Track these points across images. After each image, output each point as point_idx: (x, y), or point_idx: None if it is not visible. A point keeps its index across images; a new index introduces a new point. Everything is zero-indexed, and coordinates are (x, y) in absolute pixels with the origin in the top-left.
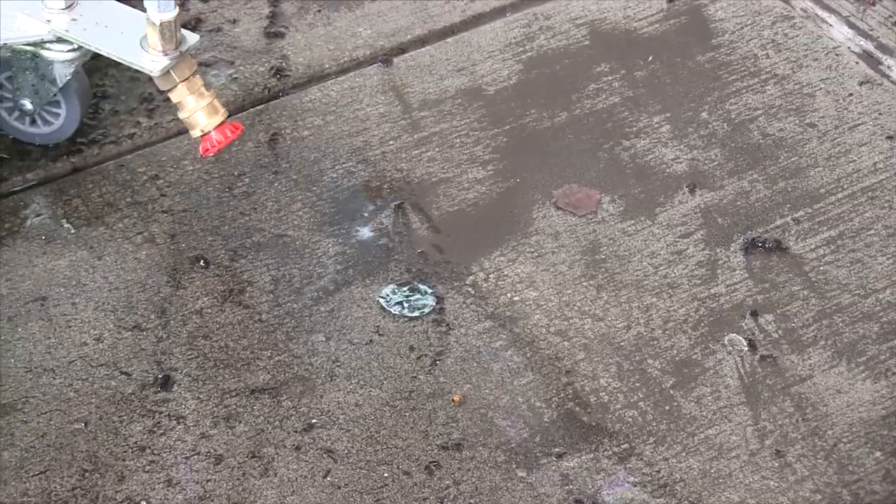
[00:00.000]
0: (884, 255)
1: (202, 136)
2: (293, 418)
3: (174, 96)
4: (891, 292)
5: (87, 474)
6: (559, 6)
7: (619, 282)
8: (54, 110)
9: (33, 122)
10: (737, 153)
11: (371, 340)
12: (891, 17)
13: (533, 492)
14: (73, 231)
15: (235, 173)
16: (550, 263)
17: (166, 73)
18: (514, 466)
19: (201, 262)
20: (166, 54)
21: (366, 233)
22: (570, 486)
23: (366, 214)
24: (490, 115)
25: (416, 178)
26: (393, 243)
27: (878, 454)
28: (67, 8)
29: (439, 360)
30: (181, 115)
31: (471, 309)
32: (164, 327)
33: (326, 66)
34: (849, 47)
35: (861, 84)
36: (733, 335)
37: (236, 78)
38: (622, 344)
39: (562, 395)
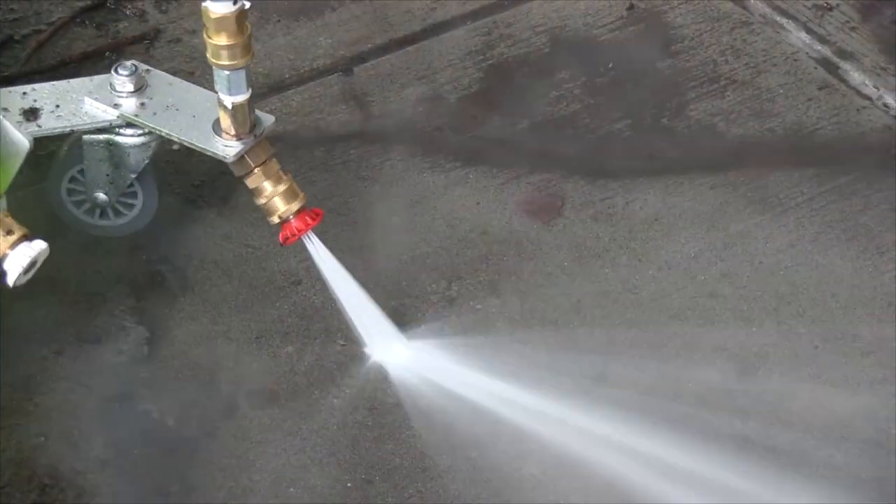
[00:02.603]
0: (843, 259)
1: (281, 223)
2: None
3: (250, 182)
4: None
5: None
6: (519, 14)
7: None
8: (129, 201)
9: (103, 214)
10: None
11: None
12: (848, 22)
13: None
14: None
15: (195, 183)
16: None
17: (241, 158)
18: None
19: None
20: (240, 139)
21: None
22: None
23: None
24: (451, 123)
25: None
26: None
27: None
28: (137, 91)
29: None
30: (258, 202)
31: None
32: None
33: (286, 75)
34: (807, 53)
35: (820, 89)
36: None
37: None
38: None
39: None
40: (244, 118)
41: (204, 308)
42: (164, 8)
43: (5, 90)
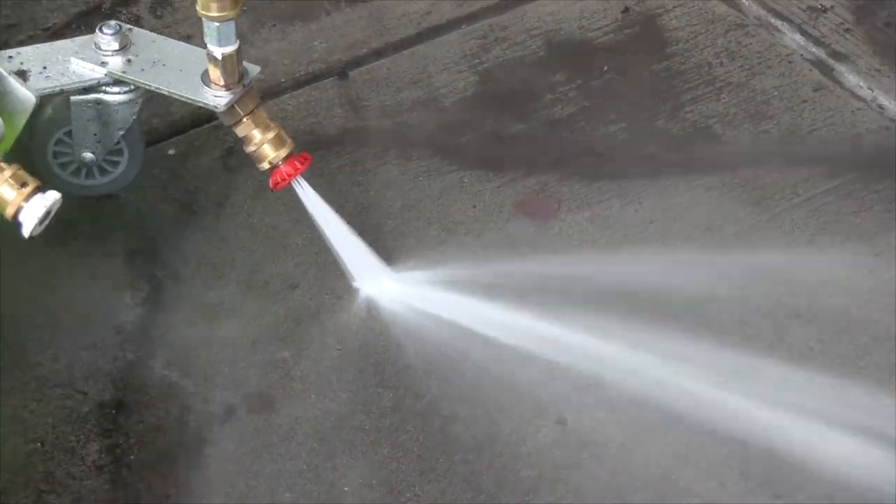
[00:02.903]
0: (839, 260)
1: (271, 168)
2: None
3: (239, 131)
4: None
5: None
6: (514, 17)
7: None
8: (114, 158)
9: (88, 174)
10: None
11: None
12: (842, 24)
13: None
14: None
15: (190, 188)
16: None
17: (230, 107)
18: None
19: None
20: (229, 89)
21: None
22: None
23: None
24: (447, 127)
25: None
26: None
27: None
28: (122, 49)
29: None
30: (248, 150)
31: None
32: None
33: (282, 80)
34: (802, 55)
35: (815, 91)
36: None
37: None
38: None
39: None
40: (233, 69)
41: (201, 312)
42: (158, 13)
43: None
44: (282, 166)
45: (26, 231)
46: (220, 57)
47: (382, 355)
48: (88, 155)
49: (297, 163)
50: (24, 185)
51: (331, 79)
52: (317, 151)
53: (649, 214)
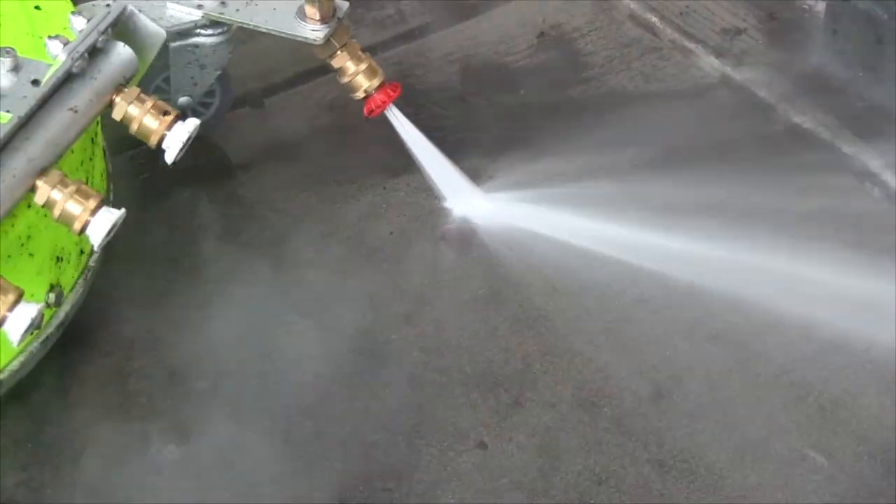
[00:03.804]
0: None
1: (365, 97)
2: None
3: (335, 62)
4: None
5: None
6: (431, 43)
7: None
8: (207, 100)
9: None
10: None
11: None
12: (756, 45)
13: None
14: None
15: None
16: None
17: (327, 41)
18: None
19: None
20: (325, 22)
21: None
22: None
23: None
24: (362, 155)
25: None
26: None
27: None
28: None
29: None
30: (342, 80)
31: None
32: None
33: None
34: (717, 77)
35: (732, 114)
36: None
37: None
38: None
39: None
40: (328, 3)
41: (117, 344)
42: None
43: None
44: (375, 94)
45: (170, 157)
46: None
47: (305, 383)
48: (185, 99)
49: (389, 90)
50: (165, 113)
51: (246, 108)
52: (233, 181)
53: None
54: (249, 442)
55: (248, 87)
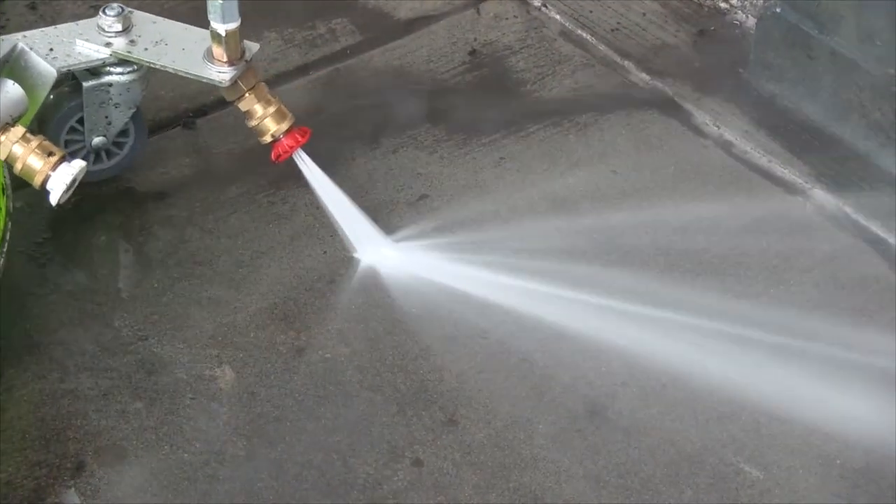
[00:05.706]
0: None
1: (273, 142)
2: None
3: (243, 105)
4: None
5: None
6: (361, 62)
7: None
8: (120, 140)
9: (97, 158)
10: None
11: None
12: (686, 60)
13: None
14: None
15: (38, 240)
16: None
17: (234, 83)
18: None
19: None
20: (232, 65)
21: None
22: None
23: None
24: (293, 174)
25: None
26: None
27: None
28: (125, 30)
29: None
30: (250, 124)
31: None
32: None
33: None
34: (649, 92)
35: (661, 131)
36: None
37: None
38: None
39: None
40: (236, 45)
41: (51, 366)
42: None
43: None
44: (283, 139)
45: (54, 199)
46: (223, 34)
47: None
48: (100, 139)
49: (297, 136)
50: (50, 154)
51: (177, 128)
52: (164, 200)
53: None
54: (181, 464)
55: (179, 109)
